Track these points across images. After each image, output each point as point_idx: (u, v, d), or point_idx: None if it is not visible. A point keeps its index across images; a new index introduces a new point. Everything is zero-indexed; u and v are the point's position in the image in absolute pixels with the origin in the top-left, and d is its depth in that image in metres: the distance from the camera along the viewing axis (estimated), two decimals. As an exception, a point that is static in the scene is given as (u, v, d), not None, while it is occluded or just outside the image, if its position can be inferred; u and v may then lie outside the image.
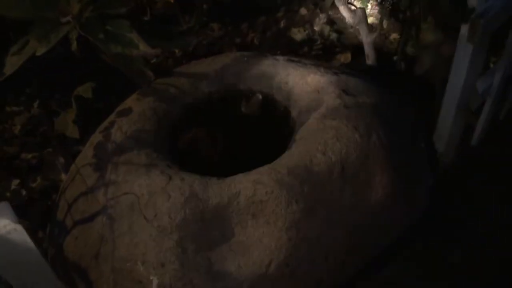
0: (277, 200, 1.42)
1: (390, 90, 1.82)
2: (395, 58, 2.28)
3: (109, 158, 1.63)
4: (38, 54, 1.36)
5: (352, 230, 1.51)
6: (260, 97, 1.83)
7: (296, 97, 1.73)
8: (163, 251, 1.42)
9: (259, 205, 1.43)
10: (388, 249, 1.66)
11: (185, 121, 1.80)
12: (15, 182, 2.18)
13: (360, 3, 2.40)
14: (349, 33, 2.52)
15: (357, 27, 2.13)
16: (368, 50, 2.09)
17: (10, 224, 0.95)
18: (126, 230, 1.48)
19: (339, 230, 1.49)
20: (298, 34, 2.51)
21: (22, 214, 0.96)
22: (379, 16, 2.40)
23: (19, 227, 0.95)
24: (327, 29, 2.53)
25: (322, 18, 2.60)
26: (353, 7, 2.32)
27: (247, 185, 1.45)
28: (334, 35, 2.50)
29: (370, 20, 2.43)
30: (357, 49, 2.41)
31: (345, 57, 2.39)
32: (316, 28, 2.58)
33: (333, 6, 2.28)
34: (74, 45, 1.43)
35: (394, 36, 2.45)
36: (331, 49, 2.46)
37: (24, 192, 2.14)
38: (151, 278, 1.43)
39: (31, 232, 0.98)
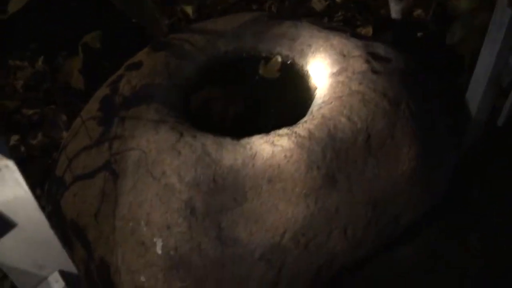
0: (296, 164, 1.28)
1: (417, 61, 1.67)
2: (418, 34, 2.13)
3: (116, 111, 1.49)
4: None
5: (373, 204, 1.37)
6: (280, 59, 1.68)
7: (319, 61, 1.58)
8: (169, 211, 1.28)
9: (276, 169, 1.29)
10: (405, 230, 1.53)
11: (198, 80, 1.65)
12: (14, 138, 2.04)
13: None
14: (371, 6, 2.36)
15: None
16: (396, 16, 1.93)
17: (2, 160, 0.81)
18: (131, 187, 1.34)
19: (360, 203, 1.35)
20: (318, 4, 2.35)
21: (20, 170, 0.83)
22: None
23: (11, 164, 0.81)
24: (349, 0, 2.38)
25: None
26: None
27: (264, 147, 1.31)
28: (355, 7, 2.34)
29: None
30: (379, 23, 2.26)
31: (367, 31, 2.24)
32: (337, -1, 2.43)
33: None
34: None
35: (418, 12, 2.30)
36: (352, 22, 2.30)
37: (23, 148, 2.01)
38: (154, 240, 1.29)
39: (30, 188, 0.85)
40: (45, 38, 2.27)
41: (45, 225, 0.94)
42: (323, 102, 1.42)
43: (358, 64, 1.48)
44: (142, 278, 1.32)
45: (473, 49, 1.64)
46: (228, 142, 1.34)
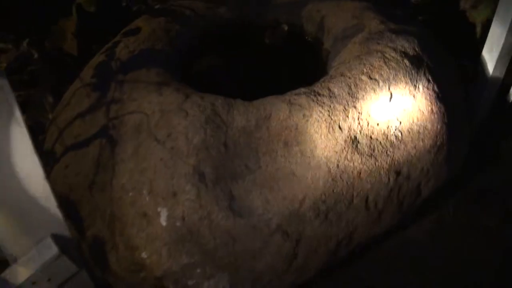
0: (316, 124, 1.14)
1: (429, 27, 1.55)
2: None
3: (113, 76, 1.33)
4: None
5: (395, 171, 1.24)
6: (286, 28, 1.55)
7: (330, 25, 1.45)
8: (176, 177, 1.12)
9: (293, 130, 1.15)
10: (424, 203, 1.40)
11: (200, 47, 1.50)
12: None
13: None
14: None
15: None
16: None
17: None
18: (131, 154, 1.18)
19: (382, 170, 1.21)
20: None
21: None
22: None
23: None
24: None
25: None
26: None
27: (280, 107, 1.16)
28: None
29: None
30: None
31: None
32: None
33: None
34: None
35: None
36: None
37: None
38: (159, 210, 1.13)
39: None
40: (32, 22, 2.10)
41: (39, 174, 0.78)
42: (340, 63, 1.29)
43: (374, 25, 1.36)
44: (144, 255, 1.15)
45: (484, 18, 1.54)
46: (239, 103, 1.19)
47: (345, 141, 1.16)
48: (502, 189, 1.65)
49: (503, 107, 1.67)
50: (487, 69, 1.55)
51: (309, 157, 1.14)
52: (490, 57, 1.53)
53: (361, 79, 1.20)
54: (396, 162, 1.23)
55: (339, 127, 1.15)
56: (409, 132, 1.24)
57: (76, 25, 1.38)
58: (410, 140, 1.25)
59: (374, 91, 1.20)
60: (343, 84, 1.19)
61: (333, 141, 1.14)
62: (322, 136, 1.14)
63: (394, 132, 1.23)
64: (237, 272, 1.15)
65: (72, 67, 1.55)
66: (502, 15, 1.42)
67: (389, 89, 1.21)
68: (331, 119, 1.14)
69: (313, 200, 1.14)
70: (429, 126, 1.27)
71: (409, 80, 1.24)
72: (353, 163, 1.17)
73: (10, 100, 0.67)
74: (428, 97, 1.27)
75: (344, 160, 1.16)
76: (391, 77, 1.22)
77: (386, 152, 1.22)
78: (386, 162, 1.22)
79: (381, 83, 1.21)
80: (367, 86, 1.20)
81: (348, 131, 1.16)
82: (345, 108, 1.16)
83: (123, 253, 1.17)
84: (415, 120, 1.25)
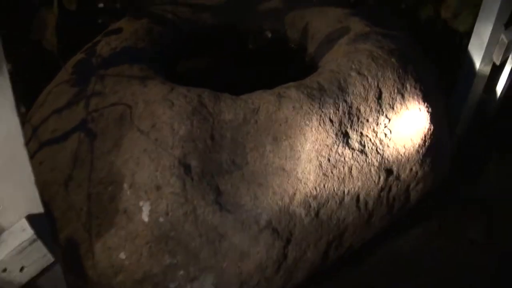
0: (307, 116, 1.09)
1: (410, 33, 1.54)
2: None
3: (94, 71, 1.25)
4: None
5: (385, 169, 1.19)
6: (269, 35, 1.52)
7: (314, 30, 1.42)
8: (160, 169, 1.04)
9: (283, 123, 1.09)
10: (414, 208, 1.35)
11: (183, 50, 1.45)
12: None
13: None
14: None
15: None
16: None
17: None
18: (111, 147, 1.09)
19: (373, 167, 1.16)
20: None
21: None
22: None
23: None
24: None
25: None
26: None
27: (269, 99, 1.11)
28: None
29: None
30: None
31: None
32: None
33: None
34: None
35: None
36: None
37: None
38: (140, 204, 1.03)
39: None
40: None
41: (17, 138, 0.68)
42: (328, 61, 1.25)
43: (360, 27, 1.34)
44: (122, 255, 1.05)
45: (468, 25, 1.55)
46: (227, 96, 1.13)
47: (336, 134, 1.10)
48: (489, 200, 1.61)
49: (484, 118, 1.67)
50: (469, 79, 1.54)
51: (299, 151, 1.08)
52: (471, 67, 1.53)
53: (350, 75, 1.17)
54: (386, 160, 1.19)
55: (330, 120, 1.10)
56: (399, 130, 1.21)
57: (57, 19, 1.30)
58: (400, 138, 1.21)
59: (364, 86, 1.16)
60: (333, 79, 1.15)
61: (324, 134, 1.09)
62: (313, 129, 1.08)
63: (383, 130, 1.18)
64: (223, 274, 1.06)
65: (50, 68, 1.45)
66: (482, 24, 1.43)
67: (377, 85, 1.18)
68: (322, 111, 1.09)
69: (304, 195, 1.07)
70: (417, 125, 1.24)
71: (397, 78, 1.21)
72: (344, 158, 1.12)
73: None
74: (415, 96, 1.24)
75: (335, 154, 1.10)
76: (379, 74, 1.19)
77: (377, 149, 1.17)
78: (377, 160, 1.17)
79: (370, 79, 1.17)
80: (356, 82, 1.16)
81: (339, 124, 1.11)
82: (335, 102, 1.12)
83: (99, 256, 1.06)
84: (404, 118, 1.22)
